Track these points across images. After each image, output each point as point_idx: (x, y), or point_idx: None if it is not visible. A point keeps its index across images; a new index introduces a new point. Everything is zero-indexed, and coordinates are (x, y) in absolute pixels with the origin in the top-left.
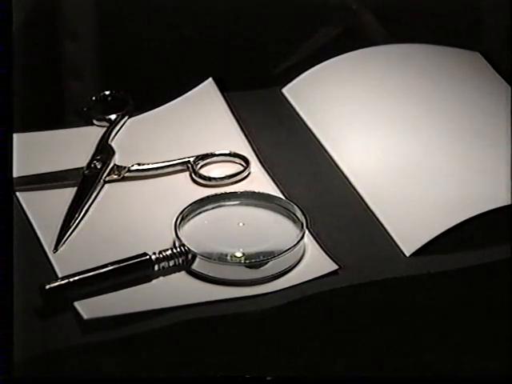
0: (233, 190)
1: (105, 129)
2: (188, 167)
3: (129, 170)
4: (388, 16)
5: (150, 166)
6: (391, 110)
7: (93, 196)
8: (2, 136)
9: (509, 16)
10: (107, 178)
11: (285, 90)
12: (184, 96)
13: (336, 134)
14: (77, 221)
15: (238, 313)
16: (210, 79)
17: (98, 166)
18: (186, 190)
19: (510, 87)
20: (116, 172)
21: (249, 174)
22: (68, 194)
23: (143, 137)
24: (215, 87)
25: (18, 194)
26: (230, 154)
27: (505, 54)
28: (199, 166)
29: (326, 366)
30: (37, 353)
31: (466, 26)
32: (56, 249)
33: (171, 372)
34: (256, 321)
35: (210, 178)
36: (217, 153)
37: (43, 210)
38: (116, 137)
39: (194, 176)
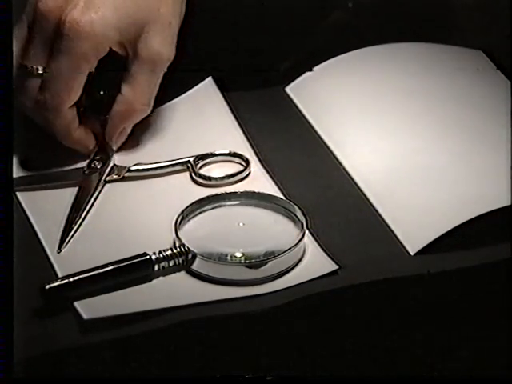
0: (233, 190)
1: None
2: (188, 167)
3: (129, 170)
4: (389, 14)
5: (150, 166)
6: (394, 108)
7: (94, 197)
8: (3, 136)
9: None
10: (107, 178)
11: (288, 89)
12: (183, 95)
13: (340, 132)
14: (79, 222)
15: (238, 313)
16: (210, 78)
17: (98, 166)
18: (185, 190)
19: None
20: (116, 172)
21: (249, 173)
22: (68, 193)
23: (143, 136)
24: (214, 86)
25: (18, 193)
26: (229, 154)
27: (508, 52)
28: (199, 165)
29: (326, 366)
30: (37, 353)
31: (469, 24)
32: (60, 249)
33: (171, 372)
34: (256, 321)
35: (210, 178)
36: (217, 153)
37: (43, 210)
38: None
39: (193, 176)
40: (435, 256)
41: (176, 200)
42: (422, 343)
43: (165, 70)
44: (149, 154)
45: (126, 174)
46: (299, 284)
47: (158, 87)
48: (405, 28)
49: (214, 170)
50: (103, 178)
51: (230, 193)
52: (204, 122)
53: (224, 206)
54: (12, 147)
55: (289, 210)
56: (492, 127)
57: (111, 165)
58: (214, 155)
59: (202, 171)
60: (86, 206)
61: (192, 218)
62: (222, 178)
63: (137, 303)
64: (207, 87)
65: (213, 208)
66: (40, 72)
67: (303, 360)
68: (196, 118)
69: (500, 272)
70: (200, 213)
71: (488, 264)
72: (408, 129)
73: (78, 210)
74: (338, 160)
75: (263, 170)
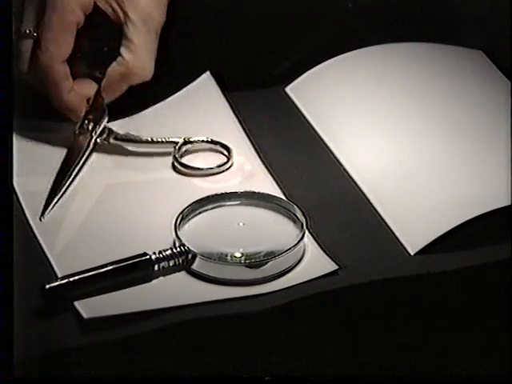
0: (233, 190)
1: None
2: (174, 148)
3: (116, 138)
4: (389, 14)
5: (138, 138)
6: (394, 109)
7: (83, 158)
8: (2, 133)
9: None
10: (98, 140)
11: (288, 89)
12: (181, 91)
13: (340, 132)
14: (66, 185)
15: (238, 313)
16: (208, 73)
17: (90, 127)
18: (185, 190)
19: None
20: (105, 135)
21: (232, 165)
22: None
23: (141, 131)
24: (213, 81)
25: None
26: (215, 143)
27: (508, 52)
28: (184, 150)
29: (326, 366)
30: (37, 353)
31: (468, 24)
32: (43, 215)
33: (171, 372)
34: (256, 321)
35: (188, 167)
36: (204, 139)
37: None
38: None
39: (175, 163)
40: (435, 256)
41: (176, 200)
42: (422, 343)
43: (159, 32)
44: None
45: (112, 141)
46: (299, 284)
47: (155, 51)
48: (405, 28)
49: (198, 159)
50: (94, 138)
51: (230, 193)
52: (203, 118)
53: (224, 205)
54: (12, 145)
55: (289, 210)
56: (492, 127)
57: (103, 125)
58: (203, 142)
59: (185, 159)
60: (75, 168)
61: (192, 217)
62: (200, 169)
63: (137, 303)
64: (205, 82)
65: (213, 208)
66: (35, 34)
67: (303, 360)
68: (195, 114)
69: (500, 272)
70: (200, 213)
71: (488, 264)
72: (408, 129)
73: (65, 172)
74: (337, 160)
75: (264, 170)
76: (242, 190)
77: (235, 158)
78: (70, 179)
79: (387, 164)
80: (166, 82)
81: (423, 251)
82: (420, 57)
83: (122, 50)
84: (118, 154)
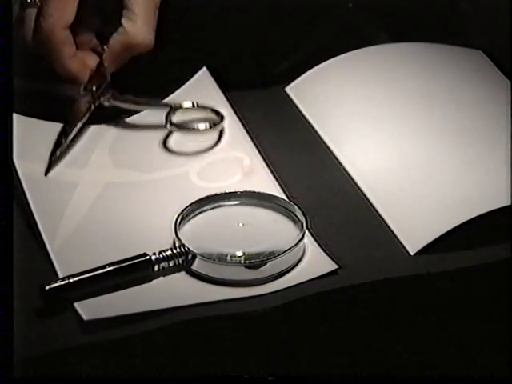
0: (233, 190)
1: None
2: (168, 110)
3: (115, 98)
4: (389, 14)
5: (136, 99)
6: (394, 109)
7: (84, 119)
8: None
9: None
10: (97, 103)
11: (288, 89)
12: (179, 90)
13: (340, 132)
14: (66, 144)
15: (238, 313)
16: (204, 68)
17: (93, 89)
18: (186, 190)
19: None
20: (107, 97)
21: (223, 129)
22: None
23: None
24: (210, 78)
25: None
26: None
27: (508, 52)
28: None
29: (326, 366)
30: (37, 353)
31: (468, 24)
32: (46, 173)
33: (171, 372)
34: (256, 321)
35: (177, 126)
36: (195, 104)
37: (46, 208)
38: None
39: (167, 124)
40: (435, 256)
41: (176, 200)
42: (421, 343)
43: (158, 4)
44: None
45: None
46: (299, 284)
47: (156, 22)
48: (405, 28)
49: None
50: (96, 100)
51: (230, 193)
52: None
53: (224, 205)
54: (12, 140)
55: (289, 210)
56: (492, 127)
57: (105, 88)
58: (194, 107)
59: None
60: (76, 127)
61: (192, 217)
62: (193, 129)
63: (137, 304)
64: (203, 79)
65: (213, 208)
66: (39, 4)
67: (303, 360)
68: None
69: (500, 272)
70: (200, 213)
71: (488, 264)
72: (408, 129)
73: (67, 132)
74: (338, 160)
75: (264, 170)
76: (241, 189)
77: (235, 154)
78: (72, 136)
79: (387, 164)
80: (163, 82)
81: (423, 251)
82: (420, 57)
83: (123, 21)
84: (118, 152)
